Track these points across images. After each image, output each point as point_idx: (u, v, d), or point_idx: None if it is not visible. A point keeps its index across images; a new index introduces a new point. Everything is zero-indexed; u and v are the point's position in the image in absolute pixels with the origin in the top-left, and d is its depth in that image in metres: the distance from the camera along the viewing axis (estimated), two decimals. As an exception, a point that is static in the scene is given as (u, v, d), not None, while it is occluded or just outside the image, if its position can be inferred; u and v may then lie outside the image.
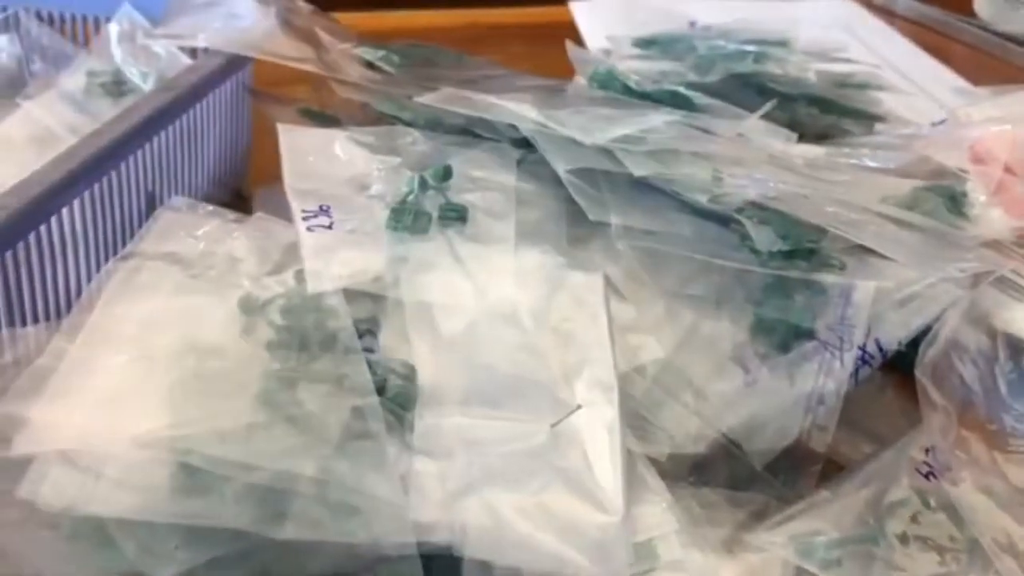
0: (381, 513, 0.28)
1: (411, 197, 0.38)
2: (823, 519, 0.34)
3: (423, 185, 0.38)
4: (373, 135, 0.42)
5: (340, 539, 0.28)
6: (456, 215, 0.37)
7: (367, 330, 0.33)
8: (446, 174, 0.39)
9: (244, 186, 0.57)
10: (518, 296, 0.34)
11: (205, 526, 0.28)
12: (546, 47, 0.66)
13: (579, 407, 0.32)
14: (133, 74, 0.57)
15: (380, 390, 0.31)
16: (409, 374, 0.32)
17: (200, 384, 0.31)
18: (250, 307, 0.32)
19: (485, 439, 0.30)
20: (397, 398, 0.30)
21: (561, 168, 0.39)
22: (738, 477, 0.36)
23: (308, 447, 0.29)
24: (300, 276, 0.34)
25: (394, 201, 0.37)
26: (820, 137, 0.58)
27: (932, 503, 0.35)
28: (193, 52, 0.55)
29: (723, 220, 0.39)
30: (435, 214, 0.37)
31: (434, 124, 0.45)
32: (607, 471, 0.30)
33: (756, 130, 0.48)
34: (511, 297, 0.34)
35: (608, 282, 0.37)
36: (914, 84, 0.78)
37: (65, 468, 0.28)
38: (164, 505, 0.28)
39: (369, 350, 0.32)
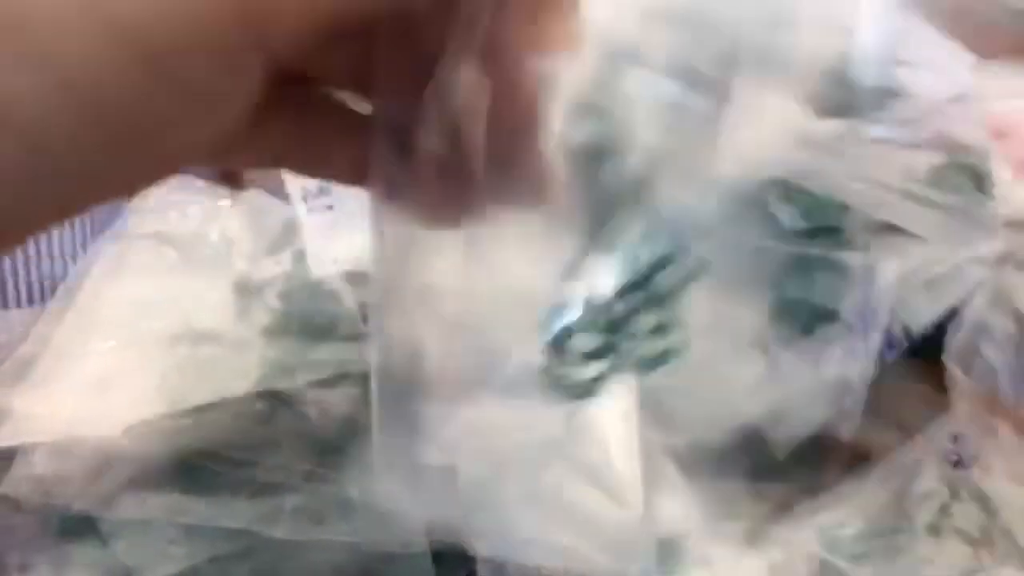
0: (387, 510, 0.26)
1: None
2: (849, 511, 0.32)
3: (428, 161, 0.36)
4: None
5: (343, 538, 0.26)
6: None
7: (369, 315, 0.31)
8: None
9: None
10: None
11: (201, 524, 0.26)
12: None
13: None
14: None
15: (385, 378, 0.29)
16: (416, 361, 0.30)
17: (195, 372, 0.29)
18: (246, 290, 0.31)
19: (497, 429, 0.29)
20: (403, 386, 0.29)
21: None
22: (760, 468, 0.34)
23: (309, 439, 0.27)
24: (299, 257, 0.32)
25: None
26: (831, 112, 0.56)
27: (962, 493, 0.33)
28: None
29: (743, 197, 0.38)
30: (441, 191, 0.35)
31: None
32: (625, 463, 0.28)
33: (773, 104, 0.46)
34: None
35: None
36: (923, 58, 0.76)
37: (52, 462, 0.27)
38: (157, 501, 0.26)
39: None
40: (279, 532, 0.26)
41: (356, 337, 0.30)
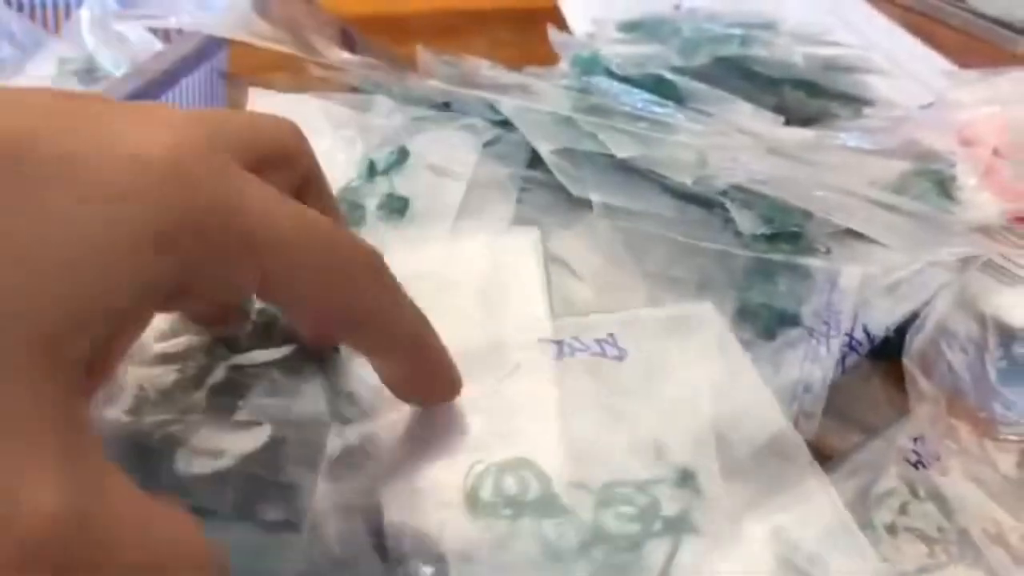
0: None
1: (354, 184, 0.37)
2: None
3: (371, 171, 0.37)
4: (346, 104, 0.41)
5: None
6: (396, 206, 0.36)
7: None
8: (400, 158, 0.38)
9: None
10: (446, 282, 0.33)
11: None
12: (530, 33, 0.64)
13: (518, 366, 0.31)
14: (105, 60, 0.56)
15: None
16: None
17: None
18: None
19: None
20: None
21: (543, 147, 0.39)
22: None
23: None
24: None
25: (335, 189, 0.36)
26: (807, 121, 0.57)
27: (921, 493, 0.34)
28: (167, 36, 0.53)
29: (706, 203, 0.38)
30: (375, 204, 0.36)
31: (412, 104, 0.44)
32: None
33: (743, 114, 0.47)
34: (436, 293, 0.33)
35: (567, 265, 0.36)
36: (901, 67, 0.77)
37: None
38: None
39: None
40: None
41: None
